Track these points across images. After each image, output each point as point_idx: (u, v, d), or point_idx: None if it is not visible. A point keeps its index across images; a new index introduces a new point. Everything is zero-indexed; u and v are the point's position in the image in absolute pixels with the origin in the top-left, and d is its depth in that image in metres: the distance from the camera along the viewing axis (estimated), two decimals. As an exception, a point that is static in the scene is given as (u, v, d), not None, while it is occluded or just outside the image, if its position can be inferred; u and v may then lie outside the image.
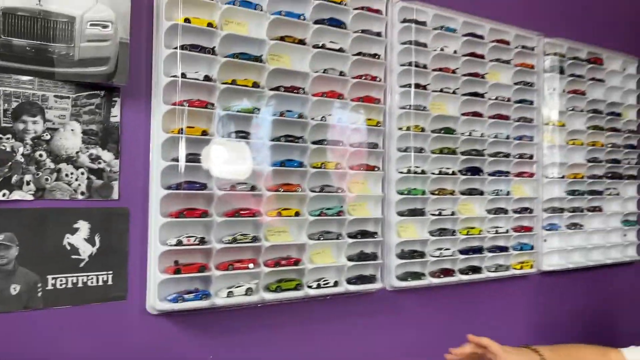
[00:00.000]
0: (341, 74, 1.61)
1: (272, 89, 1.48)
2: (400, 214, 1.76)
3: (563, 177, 2.23)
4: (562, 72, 2.21)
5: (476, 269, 1.94)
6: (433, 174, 1.83)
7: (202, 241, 1.36)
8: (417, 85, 1.77)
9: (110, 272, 1.30)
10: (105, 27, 1.24)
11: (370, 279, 1.67)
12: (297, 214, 1.52)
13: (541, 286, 2.19)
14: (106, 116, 1.29)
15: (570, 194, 2.26)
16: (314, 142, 1.56)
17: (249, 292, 1.42)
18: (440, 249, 1.85)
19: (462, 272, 1.90)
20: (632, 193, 2.53)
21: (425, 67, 1.80)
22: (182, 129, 1.33)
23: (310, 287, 1.53)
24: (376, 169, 1.70)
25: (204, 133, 1.37)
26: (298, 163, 1.53)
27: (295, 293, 1.50)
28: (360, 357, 1.70)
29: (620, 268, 2.50)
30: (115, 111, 1.30)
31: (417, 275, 1.78)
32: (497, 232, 2.00)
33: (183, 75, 1.34)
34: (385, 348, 1.75)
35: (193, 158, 1.36)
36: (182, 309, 1.33)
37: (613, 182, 2.43)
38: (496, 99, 2.00)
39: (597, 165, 2.36)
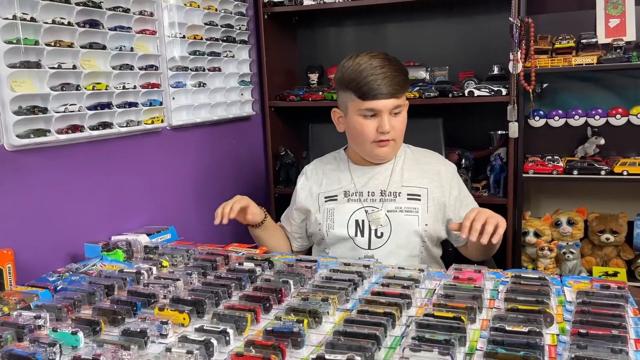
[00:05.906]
0: None
1: None
2: (12, 66, 1.60)
3: (184, 37, 2.37)
4: None
5: (107, 125, 1.96)
6: (46, 23, 1.70)
7: None
8: None
9: None
10: None
11: (-17, 138, 1.51)
12: None
13: (173, 140, 2.37)
14: None
15: (192, 54, 2.44)
16: None
17: None
18: (66, 104, 1.78)
19: (93, 128, 1.90)
20: (245, 56, 2.88)
21: None
22: None
23: None
24: (-30, 11, 1.48)
25: None
26: None
27: None
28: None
29: (240, 123, 2.90)
30: None
31: (42, 132, 1.69)
32: (124, 88, 2.03)
33: None
34: (11, 209, 1.65)
35: None
36: None
37: (228, 44, 2.71)
38: (109, -52, 1.93)
39: (213, 28, 2.59)
